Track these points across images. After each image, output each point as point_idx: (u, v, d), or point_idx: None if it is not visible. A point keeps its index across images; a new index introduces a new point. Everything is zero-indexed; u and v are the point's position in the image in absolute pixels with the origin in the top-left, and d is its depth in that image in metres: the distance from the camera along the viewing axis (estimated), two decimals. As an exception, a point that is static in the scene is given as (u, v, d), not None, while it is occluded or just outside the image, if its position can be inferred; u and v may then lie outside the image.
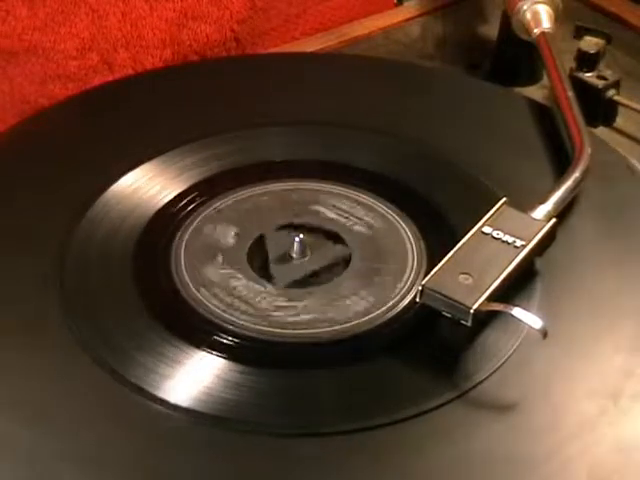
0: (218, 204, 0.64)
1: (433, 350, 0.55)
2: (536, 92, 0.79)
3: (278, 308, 0.58)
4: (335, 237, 0.62)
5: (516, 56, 0.80)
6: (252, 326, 0.56)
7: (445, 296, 0.54)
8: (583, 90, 0.73)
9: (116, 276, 0.59)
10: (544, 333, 0.53)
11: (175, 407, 0.52)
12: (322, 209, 0.64)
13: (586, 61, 0.76)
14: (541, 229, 0.58)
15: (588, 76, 0.75)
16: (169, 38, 0.80)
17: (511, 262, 0.56)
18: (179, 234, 0.62)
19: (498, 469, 0.50)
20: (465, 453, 0.51)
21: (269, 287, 0.59)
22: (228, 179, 0.66)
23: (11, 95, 0.77)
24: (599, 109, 0.75)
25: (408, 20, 0.86)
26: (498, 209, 0.59)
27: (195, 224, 0.63)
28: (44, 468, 0.50)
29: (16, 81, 0.77)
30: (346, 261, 0.61)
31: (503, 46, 0.81)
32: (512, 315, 0.53)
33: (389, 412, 0.52)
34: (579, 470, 0.50)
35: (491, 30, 0.84)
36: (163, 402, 0.52)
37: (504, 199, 0.60)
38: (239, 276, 0.59)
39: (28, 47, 0.76)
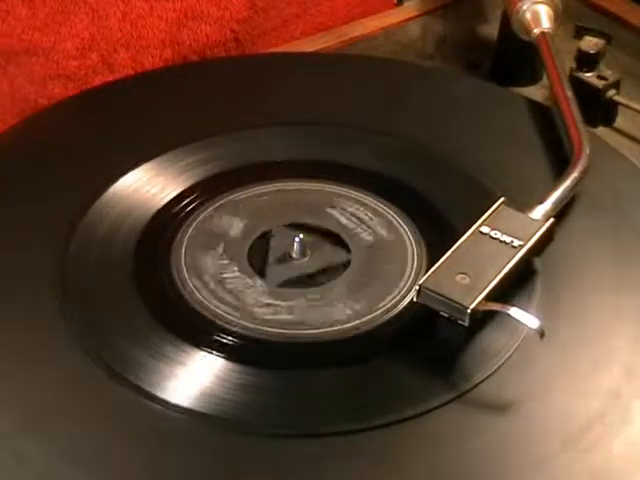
0: (218, 204, 0.64)
1: (432, 351, 0.55)
2: (536, 92, 0.79)
3: (279, 309, 0.58)
4: (335, 237, 0.62)
5: (516, 56, 0.80)
6: (253, 326, 0.56)
7: (442, 296, 0.54)
8: (583, 90, 0.73)
9: (116, 276, 0.59)
10: (541, 333, 0.53)
11: (175, 407, 0.52)
12: (322, 209, 0.64)
13: (586, 61, 0.76)
14: (539, 229, 0.58)
15: (588, 76, 0.75)
16: (169, 38, 0.80)
17: (509, 262, 0.56)
18: (179, 234, 0.62)
19: (497, 470, 0.50)
20: (464, 453, 0.51)
21: (270, 288, 0.59)
22: (228, 179, 0.66)
23: (11, 95, 0.77)
24: (599, 109, 0.75)
25: (408, 20, 0.86)
26: (496, 209, 0.59)
27: (195, 224, 0.63)
28: (43, 469, 0.50)
29: (16, 81, 0.77)
30: (346, 261, 0.61)
31: (503, 46, 0.81)
32: (509, 315, 0.53)
33: (388, 413, 0.52)
34: (580, 471, 0.50)
35: (491, 30, 0.84)
36: (163, 402, 0.52)
37: (502, 199, 0.60)
38: (240, 277, 0.60)
39: (28, 47, 0.76)
